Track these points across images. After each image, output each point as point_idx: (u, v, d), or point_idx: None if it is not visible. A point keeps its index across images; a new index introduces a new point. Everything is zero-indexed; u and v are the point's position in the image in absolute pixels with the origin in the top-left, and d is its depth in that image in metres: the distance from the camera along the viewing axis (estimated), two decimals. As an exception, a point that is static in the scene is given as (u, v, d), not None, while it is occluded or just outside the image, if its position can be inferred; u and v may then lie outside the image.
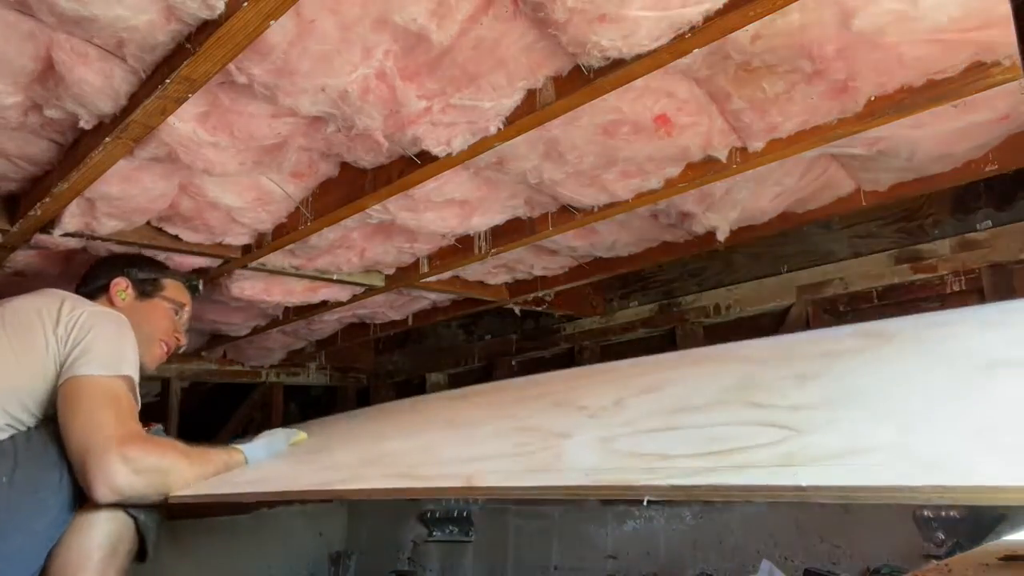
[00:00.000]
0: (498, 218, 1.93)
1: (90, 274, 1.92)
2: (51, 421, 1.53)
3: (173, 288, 1.97)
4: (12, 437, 1.48)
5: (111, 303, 1.85)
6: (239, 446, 1.74)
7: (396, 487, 1.31)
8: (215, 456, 1.64)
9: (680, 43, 1.12)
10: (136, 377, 1.63)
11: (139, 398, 1.62)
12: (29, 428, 1.52)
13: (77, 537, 1.45)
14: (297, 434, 1.92)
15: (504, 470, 1.20)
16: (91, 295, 1.84)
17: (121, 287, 1.87)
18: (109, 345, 1.59)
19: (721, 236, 1.99)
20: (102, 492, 1.42)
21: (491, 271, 2.47)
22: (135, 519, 1.50)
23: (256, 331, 2.89)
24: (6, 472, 1.40)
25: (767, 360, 1.34)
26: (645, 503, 0.90)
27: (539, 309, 2.80)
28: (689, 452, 0.98)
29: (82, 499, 1.49)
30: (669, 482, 0.89)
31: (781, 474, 0.82)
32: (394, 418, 2.18)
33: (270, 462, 1.76)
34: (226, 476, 1.64)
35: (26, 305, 1.65)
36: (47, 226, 1.75)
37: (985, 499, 0.70)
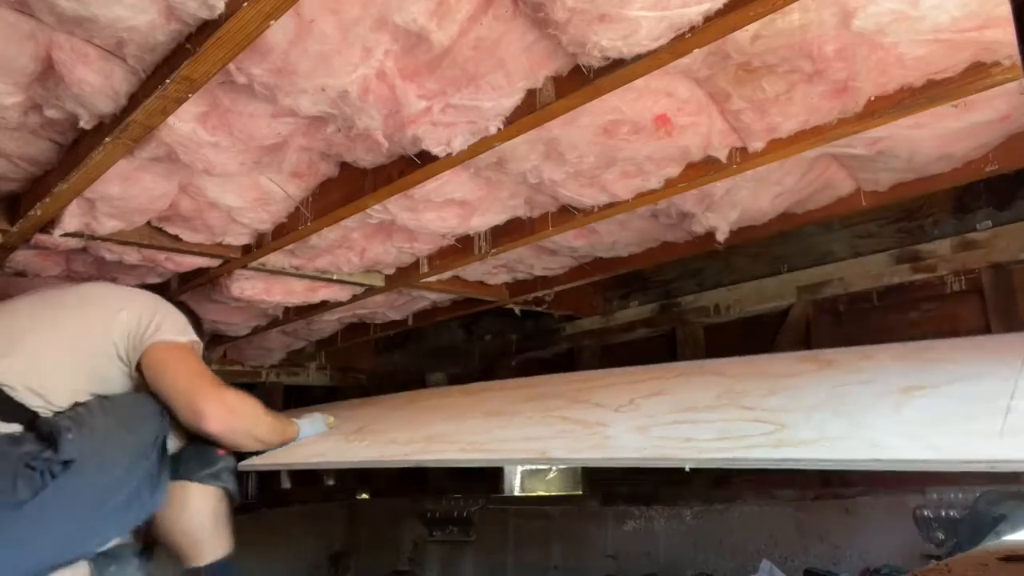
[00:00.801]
0: (498, 218, 1.93)
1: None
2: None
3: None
4: (86, 403, 1.58)
5: None
6: (294, 419, 1.91)
7: (477, 457, 1.56)
8: (280, 417, 1.87)
9: (680, 43, 1.12)
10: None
11: None
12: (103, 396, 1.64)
13: (188, 510, 1.66)
14: (329, 418, 2.07)
15: (566, 447, 1.44)
16: None
17: None
18: (178, 318, 1.77)
19: (721, 236, 1.99)
20: (214, 426, 1.61)
21: (491, 271, 2.47)
22: (225, 488, 1.72)
23: (256, 331, 2.89)
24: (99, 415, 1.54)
25: (741, 376, 1.68)
26: (687, 469, 1.24)
27: (539, 309, 2.80)
28: (709, 437, 1.29)
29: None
30: (703, 455, 1.22)
31: (779, 451, 1.17)
32: (422, 406, 2.24)
33: (325, 438, 1.92)
34: (297, 452, 1.82)
35: (77, 292, 1.76)
36: (47, 226, 1.75)
37: (901, 466, 1.07)
